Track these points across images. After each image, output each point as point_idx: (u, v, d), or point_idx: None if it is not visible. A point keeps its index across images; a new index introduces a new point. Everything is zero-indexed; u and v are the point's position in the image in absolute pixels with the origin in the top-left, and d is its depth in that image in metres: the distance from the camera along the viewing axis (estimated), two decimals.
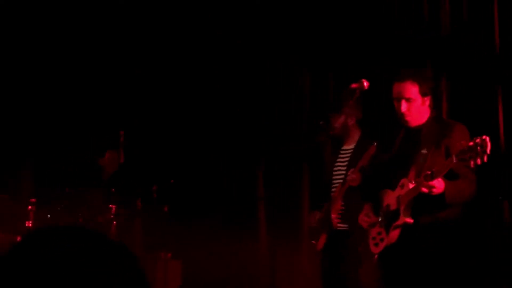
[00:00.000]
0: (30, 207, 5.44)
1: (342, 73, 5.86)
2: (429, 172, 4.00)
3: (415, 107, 4.28)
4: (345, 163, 4.91)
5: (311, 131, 5.49)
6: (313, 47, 6.34)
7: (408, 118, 4.29)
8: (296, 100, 6.50)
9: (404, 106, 4.27)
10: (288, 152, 6.26)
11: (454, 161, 3.91)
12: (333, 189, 4.89)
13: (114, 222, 5.44)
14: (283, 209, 6.05)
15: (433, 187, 3.96)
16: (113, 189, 5.60)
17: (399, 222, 4.11)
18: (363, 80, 4.47)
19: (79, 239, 1.63)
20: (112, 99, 6.93)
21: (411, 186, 4.07)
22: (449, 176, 3.88)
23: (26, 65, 6.85)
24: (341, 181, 4.85)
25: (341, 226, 4.78)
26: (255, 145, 6.53)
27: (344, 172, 4.87)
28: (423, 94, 4.39)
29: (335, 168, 4.96)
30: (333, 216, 4.78)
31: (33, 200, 5.45)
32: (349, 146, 4.96)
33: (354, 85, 4.53)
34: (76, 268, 1.55)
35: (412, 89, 4.28)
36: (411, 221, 4.07)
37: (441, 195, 4.00)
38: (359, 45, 5.87)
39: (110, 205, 5.53)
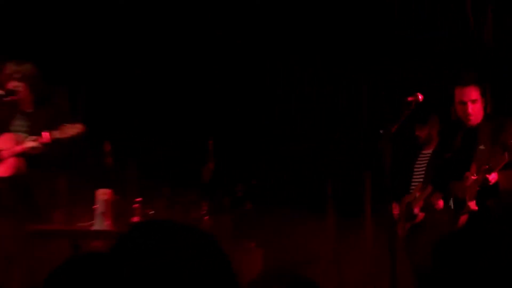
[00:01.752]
0: (135, 205, 5.83)
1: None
2: (487, 167, 4.74)
3: (477, 108, 4.90)
4: (424, 165, 5.65)
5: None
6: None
7: (472, 118, 4.96)
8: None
9: (470, 108, 4.84)
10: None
11: (507, 158, 4.62)
12: (413, 186, 5.66)
13: (206, 218, 6.09)
14: (349, 204, 6.50)
15: (489, 180, 4.69)
16: (206, 190, 6.24)
17: (466, 209, 4.79)
18: (418, 93, 4.79)
19: (175, 231, 1.70)
20: (202, 106, 7.11)
21: (473, 178, 4.81)
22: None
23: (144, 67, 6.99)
24: (421, 180, 5.59)
25: (420, 216, 5.50)
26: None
27: (423, 172, 5.61)
28: (483, 95, 5.07)
29: (416, 169, 5.72)
30: (416, 208, 5.52)
31: (139, 199, 5.85)
32: (428, 151, 5.71)
33: (410, 98, 4.87)
34: (172, 257, 1.62)
35: (475, 92, 4.87)
36: (476, 208, 4.79)
37: (495, 185, 4.73)
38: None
39: (203, 203, 6.17)
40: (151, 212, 5.90)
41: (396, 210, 5.51)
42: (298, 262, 6.20)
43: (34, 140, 5.51)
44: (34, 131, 5.63)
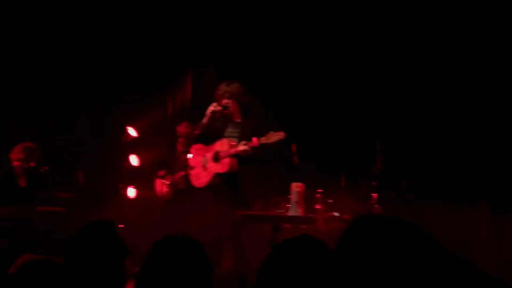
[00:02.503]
0: (318, 195, 6.36)
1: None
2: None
3: None
4: None
5: None
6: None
7: None
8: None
9: None
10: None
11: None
12: None
13: (376, 206, 6.53)
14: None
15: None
16: (374, 183, 6.78)
17: None
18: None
19: (400, 227, 1.65)
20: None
21: None
22: None
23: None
24: None
25: None
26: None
27: None
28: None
29: None
30: None
31: (320, 190, 6.32)
32: None
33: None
34: (396, 253, 1.52)
35: None
36: None
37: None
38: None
39: (373, 194, 6.65)
40: (329, 201, 6.37)
41: None
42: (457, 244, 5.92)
43: (245, 144, 6.42)
44: (243, 137, 6.47)
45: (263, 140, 6.03)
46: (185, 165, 6.59)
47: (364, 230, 1.85)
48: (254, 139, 6.04)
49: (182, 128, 7.30)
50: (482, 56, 5.41)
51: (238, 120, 6.61)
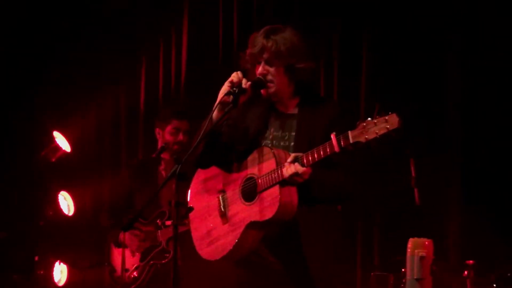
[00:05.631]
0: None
1: None
2: None
3: None
4: None
5: None
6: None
7: None
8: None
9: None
10: None
11: None
12: None
13: None
14: None
15: None
16: None
17: None
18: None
19: None
20: None
21: None
22: None
23: None
24: None
25: None
26: None
27: None
28: None
29: None
30: None
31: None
32: None
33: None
34: None
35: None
36: None
37: None
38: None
39: None
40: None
41: None
42: None
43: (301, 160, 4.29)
44: (302, 144, 4.07)
45: (354, 136, 3.50)
46: (178, 216, 3.66)
47: None
48: (333, 138, 3.53)
49: (168, 132, 5.60)
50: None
51: (292, 111, 3.96)
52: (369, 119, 3.39)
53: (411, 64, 6.30)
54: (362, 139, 3.38)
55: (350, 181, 3.69)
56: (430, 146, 6.24)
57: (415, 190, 5.35)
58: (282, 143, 3.77)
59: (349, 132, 3.40)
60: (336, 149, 3.42)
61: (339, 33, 6.53)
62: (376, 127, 3.37)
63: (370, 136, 3.37)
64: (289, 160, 3.54)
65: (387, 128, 3.33)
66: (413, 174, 5.39)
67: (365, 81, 6.40)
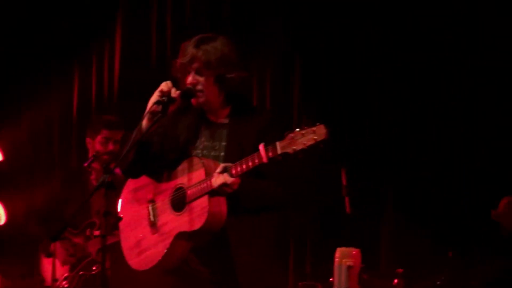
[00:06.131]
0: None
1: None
2: None
3: None
4: None
5: None
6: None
7: None
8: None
9: None
10: None
11: None
12: None
13: None
14: None
15: None
16: None
17: None
18: None
19: None
20: None
21: None
22: None
23: None
24: None
25: None
26: None
27: None
28: None
29: None
30: None
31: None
32: None
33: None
34: None
35: None
36: None
37: None
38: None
39: None
40: None
41: None
42: None
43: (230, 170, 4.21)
44: (232, 154, 3.95)
45: (283, 147, 3.48)
46: (108, 225, 3.63)
47: None
48: (261, 149, 3.52)
49: (99, 142, 5.56)
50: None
51: (223, 120, 3.92)
52: (297, 129, 3.38)
53: (342, 74, 6.28)
54: (290, 150, 3.37)
55: (280, 191, 3.67)
56: (361, 156, 6.22)
57: (346, 199, 5.34)
58: (212, 153, 3.74)
59: (277, 143, 3.38)
60: (265, 160, 3.41)
61: (273, 41, 6.43)
62: (304, 138, 3.36)
63: (298, 147, 3.36)
64: (218, 170, 3.51)
65: (314, 139, 3.33)
66: (344, 183, 5.37)
67: (298, 91, 6.34)
